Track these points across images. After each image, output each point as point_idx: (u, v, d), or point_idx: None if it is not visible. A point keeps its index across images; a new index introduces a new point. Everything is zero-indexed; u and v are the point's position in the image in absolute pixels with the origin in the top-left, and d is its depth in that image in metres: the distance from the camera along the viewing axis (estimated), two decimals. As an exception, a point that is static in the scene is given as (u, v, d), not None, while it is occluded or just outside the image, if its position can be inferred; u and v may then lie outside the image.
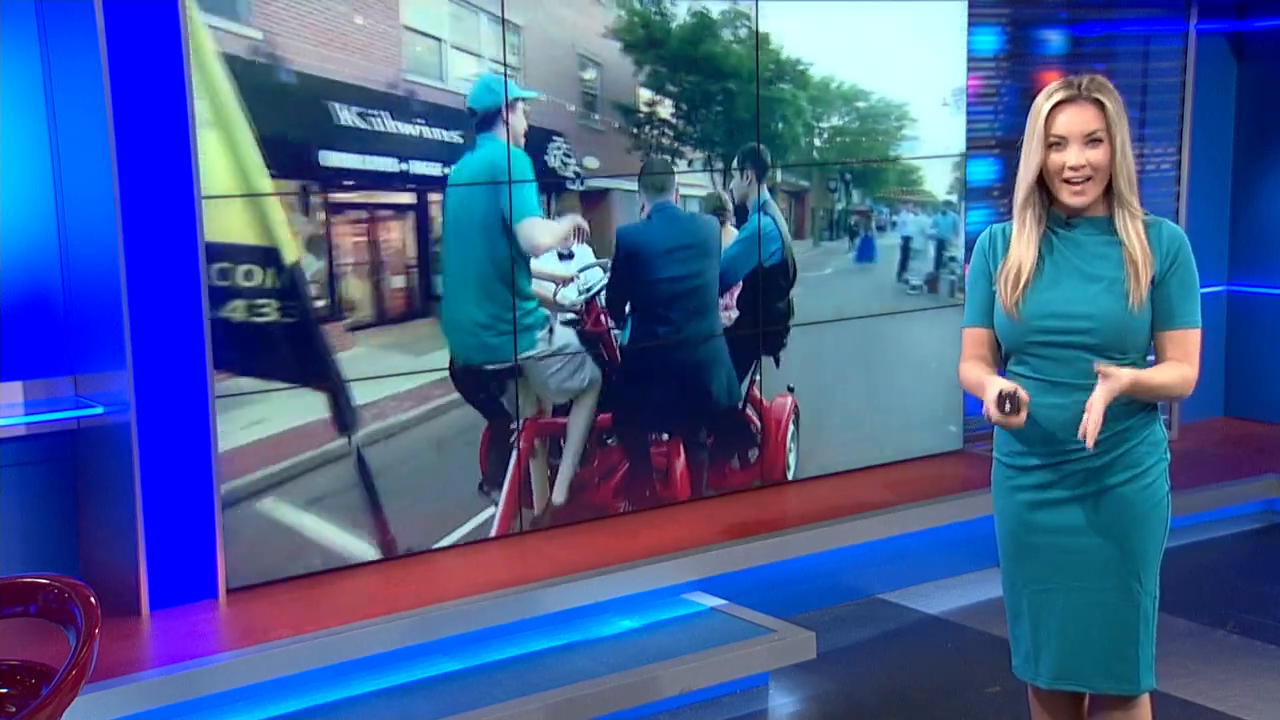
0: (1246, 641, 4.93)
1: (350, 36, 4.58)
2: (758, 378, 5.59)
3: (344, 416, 4.68)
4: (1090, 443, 2.83)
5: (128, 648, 4.12)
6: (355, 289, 4.68)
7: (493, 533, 5.04)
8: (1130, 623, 3.03)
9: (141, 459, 4.30)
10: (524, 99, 4.92)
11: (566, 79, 5.04)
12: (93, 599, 2.70)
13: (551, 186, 5.01)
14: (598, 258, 5.14)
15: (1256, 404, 7.23)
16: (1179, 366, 2.99)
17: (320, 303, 4.60)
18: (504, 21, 4.86)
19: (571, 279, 5.07)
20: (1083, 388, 2.93)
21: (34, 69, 4.48)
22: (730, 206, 5.42)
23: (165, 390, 4.33)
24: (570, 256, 5.06)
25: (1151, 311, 2.98)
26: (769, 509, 5.45)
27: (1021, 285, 3.00)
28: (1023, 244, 3.02)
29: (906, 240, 5.94)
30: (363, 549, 4.77)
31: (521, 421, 5.05)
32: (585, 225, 5.08)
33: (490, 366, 4.95)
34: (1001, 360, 3.12)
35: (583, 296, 5.12)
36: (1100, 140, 2.94)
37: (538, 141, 4.97)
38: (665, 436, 5.39)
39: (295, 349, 4.57)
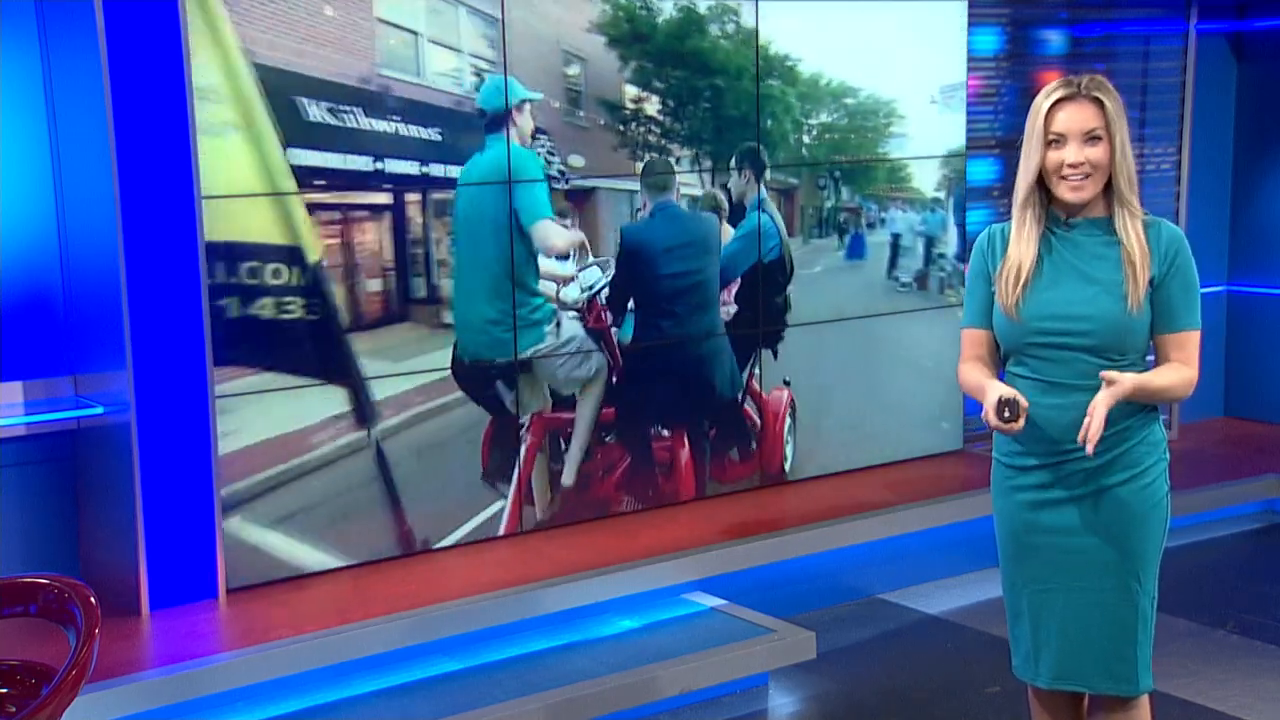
0: (1246, 641, 4.93)
1: (320, 28, 4.50)
2: (757, 371, 5.59)
3: (364, 410, 4.72)
4: (1090, 449, 2.84)
5: (128, 648, 4.12)
6: (338, 295, 4.66)
7: (502, 528, 5.06)
8: (1129, 623, 3.03)
9: (141, 459, 4.30)
10: (530, 100, 4.93)
11: (550, 75, 4.98)
12: (93, 599, 2.70)
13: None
14: (593, 256, 5.16)
15: (1256, 404, 7.23)
16: (1180, 369, 2.99)
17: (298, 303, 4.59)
18: (503, 22, 4.86)
19: (572, 278, 5.10)
20: (1082, 389, 2.94)
21: (34, 69, 4.48)
22: (726, 205, 5.43)
23: (165, 390, 4.34)
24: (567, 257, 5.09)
25: (1150, 313, 2.98)
26: (769, 509, 5.45)
27: (1021, 285, 3.00)
28: (1022, 244, 3.02)
29: (896, 237, 5.95)
30: (375, 547, 4.78)
31: (530, 417, 5.06)
32: (587, 242, 5.13)
33: (501, 361, 4.97)
34: (1000, 361, 3.12)
35: (584, 295, 5.15)
36: (1099, 138, 2.94)
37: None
38: (666, 432, 5.40)
39: (318, 346, 4.62)
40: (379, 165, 4.68)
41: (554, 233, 5.02)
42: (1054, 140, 2.96)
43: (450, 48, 4.79)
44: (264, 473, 4.55)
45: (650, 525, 5.22)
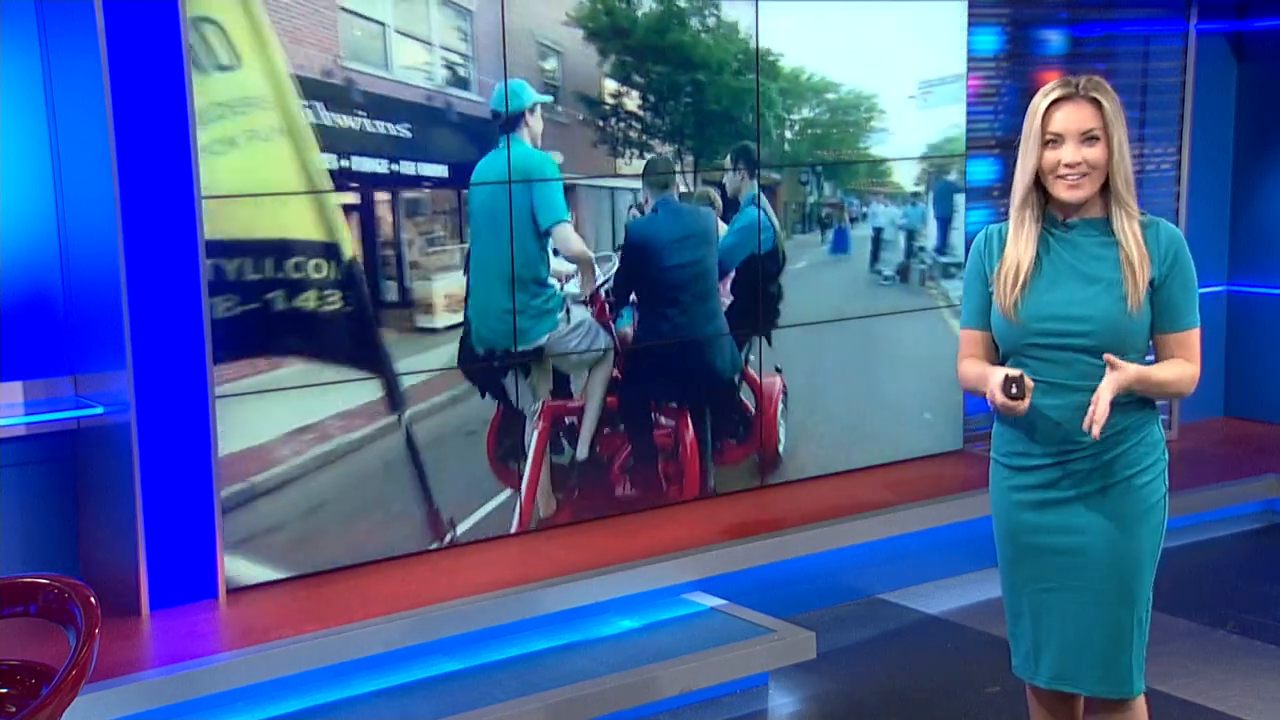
0: (1246, 641, 4.93)
1: (278, 18, 4.42)
2: (752, 357, 5.62)
3: (395, 397, 4.78)
4: (1096, 432, 2.84)
5: (128, 648, 4.12)
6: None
7: (515, 516, 5.10)
8: (1125, 624, 3.03)
9: (141, 459, 4.31)
10: (541, 103, 4.96)
11: (526, 69, 4.95)
12: (93, 599, 2.70)
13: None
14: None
15: (1256, 404, 7.23)
16: (1183, 364, 3.01)
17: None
18: (503, 21, 4.87)
19: (574, 274, 5.18)
20: (1082, 389, 2.94)
21: (34, 69, 4.48)
22: (720, 202, 5.45)
23: (165, 390, 4.34)
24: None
25: (1150, 313, 2.98)
26: (769, 509, 5.46)
27: (1019, 286, 3.00)
28: (1020, 244, 3.02)
29: (878, 231, 5.97)
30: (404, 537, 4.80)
31: (540, 404, 5.10)
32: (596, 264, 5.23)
33: (517, 348, 5.01)
34: (999, 362, 3.11)
35: (588, 288, 5.22)
36: (1097, 138, 2.95)
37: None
38: (673, 404, 5.46)
39: (353, 337, 4.70)
40: (344, 164, 4.62)
41: (574, 238, 5.10)
42: (1051, 140, 2.96)
43: (420, 40, 4.72)
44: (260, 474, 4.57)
45: (650, 525, 5.23)
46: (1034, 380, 2.98)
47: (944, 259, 6.10)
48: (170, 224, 4.30)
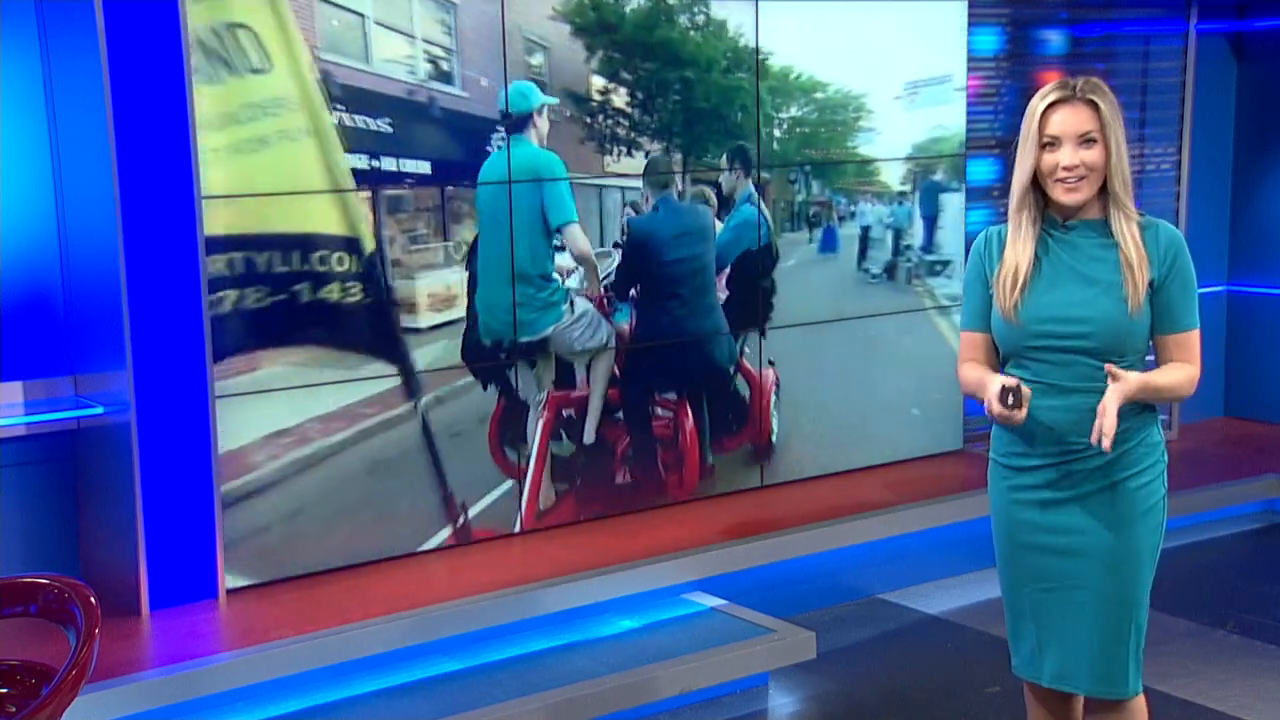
0: (1246, 641, 4.93)
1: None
2: (747, 350, 5.65)
3: (411, 383, 4.82)
4: (1107, 444, 2.83)
5: (128, 648, 4.12)
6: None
7: (523, 506, 5.11)
8: (1123, 625, 3.04)
9: (141, 459, 4.31)
10: (548, 104, 4.98)
11: (512, 64, 4.90)
12: (93, 599, 2.71)
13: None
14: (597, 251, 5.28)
15: (1256, 404, 7.23)
16: (1184, 367, 3.01)
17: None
18: (503, 19, 4.87)
19: (575, 269, 5.22)
20: (1081, 390, 2.94)
21: (34, 69, 4.48)
22: (715, 201, 5.47)
23: (165, 390, 4.34)
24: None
25: (1150, 315, 2.98)
26: (769, 509, 5.46)
27: (1019, 288, 3.00)
28: (1019, 246, 3.02)
29: (866, 230, 5.98)
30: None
31: (545, 394, 5.13)
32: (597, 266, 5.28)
33: (523, 340, 5.05)
34: (1000, 364, 3.12)
35: (593, 289, 5.26)
36: (1094, 141, 2.94)
37: (482, 132, 4.88)
38: (672, 397, 5.48)
39: (374, 332, 4.75)
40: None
41: (582, 239, 5.14)
42: (1049, 143, 2.96)
43: (401, 32, 4.68)
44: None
45: (650, 525, 5.23)
46: (1034, 382, 2.98)
47: (930, 257, 6.12)
48: (170, 223, 4.30)
